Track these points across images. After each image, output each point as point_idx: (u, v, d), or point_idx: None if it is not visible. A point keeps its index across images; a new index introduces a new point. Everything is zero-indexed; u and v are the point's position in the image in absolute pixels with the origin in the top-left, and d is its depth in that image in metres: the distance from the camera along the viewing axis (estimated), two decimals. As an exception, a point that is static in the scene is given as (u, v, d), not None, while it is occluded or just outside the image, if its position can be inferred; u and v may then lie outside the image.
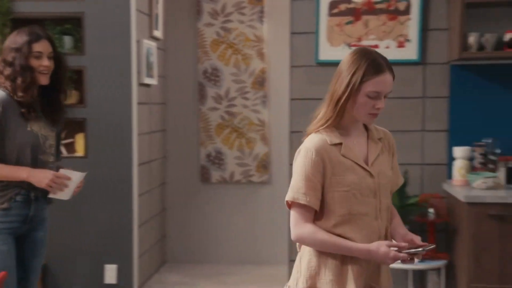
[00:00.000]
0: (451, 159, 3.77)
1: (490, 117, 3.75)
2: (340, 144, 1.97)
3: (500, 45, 3.53)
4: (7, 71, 2.57)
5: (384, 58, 1.96)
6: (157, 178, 4.76)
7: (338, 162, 1.96)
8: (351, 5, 3.82)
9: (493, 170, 3.62)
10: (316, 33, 3.85)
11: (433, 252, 3.60)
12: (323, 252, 1.97)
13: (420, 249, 1.91)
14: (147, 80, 4.28)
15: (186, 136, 5.02)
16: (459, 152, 3.68)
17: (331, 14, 3.83)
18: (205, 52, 4.92)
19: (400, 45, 3.80)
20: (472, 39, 3.50)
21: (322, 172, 1.95)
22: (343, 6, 3.82)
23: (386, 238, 1.99)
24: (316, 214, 1.97)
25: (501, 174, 3.62)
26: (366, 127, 2.06)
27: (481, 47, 3.54)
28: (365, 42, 3.80)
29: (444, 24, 3.72)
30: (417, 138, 3.85)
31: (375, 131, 2.08)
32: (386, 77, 1.93)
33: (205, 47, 4.92)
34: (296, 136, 3.90)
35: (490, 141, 3.65)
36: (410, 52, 3.79)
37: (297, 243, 2.06)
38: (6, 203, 2.56)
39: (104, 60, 3.94)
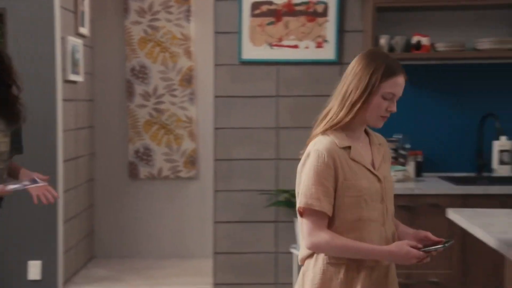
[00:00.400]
0: (366, 154, 4.00)
1: (401, 114, 3.98)
2: (349, 147, 1.91)
3: (409, 47, 3.78)
4: None
5: (397, 61, 1.96)
6: (85, 174, 4.79)
7: (349, 166, 1.90)
8: (272, 7, 3.98)
9: (404, 164, 3.87)
10: (239, 33, 3.99)
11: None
12: (328, 269, 1.92)
13: (440, 245, 1.86)
14: (73, 77, 4.31)
15: (114, 133, 5.06)
16: (373, 147, 3.91)
17: (253, 15, 3.98)
18: (133, 49, 4.98)
19: (319, 45, 3.99)
20: (383, 41, 3.73)
21: (334, 176, 1.88)
22: (264, 7, 3.98)
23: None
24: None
25: (411, 167, 3.87)
26: (366, 132, 2.03)
27: (391, 49, 3.76)
28: (285, 42, 3.97)
29: (359, 26, 3.94)
30: (335, 134, 4.05)
31: (374, 136, 2.04)
32: (402, 79, 1.92)
33: (132, 45, 4.98)
34: (220, 133, 4.04)
35: (400, 137, 3.89)
36: (328, 52, 3.98)
37: (300, 258, 2.01)
38: None
39: (27, 57, 3.94)
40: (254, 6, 3.97)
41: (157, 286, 4.33)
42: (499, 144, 3.90)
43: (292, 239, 3.95)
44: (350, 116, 1.91)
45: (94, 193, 5.06)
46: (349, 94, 1.91)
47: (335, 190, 1.88)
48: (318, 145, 1.91)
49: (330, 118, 1.94)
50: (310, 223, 1.88)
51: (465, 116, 3.97)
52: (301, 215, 1.92)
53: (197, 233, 5.07)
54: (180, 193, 5.10)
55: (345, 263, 1.90)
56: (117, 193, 5.08)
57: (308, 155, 1.93)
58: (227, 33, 4.01)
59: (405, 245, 1.84)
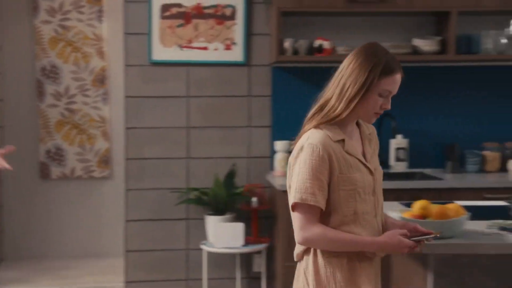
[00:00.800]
0: (273, 152, 4.17)
1: (305, 112, 4.18)
2: (343, 140, 1.89)
3: (312, 50, 3.97)
4: None
5: (395, 58, 1.91)
6: (-7, 175, 4.70)
7: (343, 159, 1.87)
8: (182, 9, 4.07)
9: (309, 162, 4.06)
10: (148, 34, 4.05)
11: (256, 236, 3.97)
12: (331, 262, 1.89)
13: (431, 235, 1.88)
14: (-21, 76, 4.23)
15: (24, 133, 5.00)
16: (280, 146, 4.08)
17: (163, 17, 4.06)
18: (43, 49, 4.93)
19: (227, 47, 4.12)
20: (287, 44, 3.90)
21: (329, 170, 1.84)
22: (174, 10, 4.06)
23: None
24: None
25: (316, 165, 4.08)
26: (357, 123, 2.00)
27: (295, 52, 3.95)
28: (195, 44, 4.08)
29: (266, 30, 4.10)
30: (244, 133, 4.20)
31: (364, 126, 2.01)
32: (399, 76, 1.88)
33: (42, 44, 4.93)
34: (131, 132, 4.09)
35: (305, 135, 4.09)
36: (236, 54, 4.12)
37: (296, 254, 1.97)
38: None
39: None
40: (164, 8, 4.05)
41: (69, 286, 4.33)
42: (395, 142, 4.17)
43: (203, 236, 4.06)
44: (346, 112, 1.87)
45: (2, 194, 4.97)
46: (347, 89, 1.86)
47: (329, 184, 1.85)
48: (312, 139, 1.86)
49: (327, 113, 1.89)
50: (303, 217, 1.85)
51: (365, 116, 4.21)
52: (293, 209, 1.89)
53: (110, 232, 5.09)
54: (93, 193, 5.10)
55: (347, 254, 1.89)
56: (27, 193, 5.02)
57: (301, 149, 1.87)
58: (137, 34, 4.07)
59: (396, 235, 1.84)
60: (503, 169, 4.14)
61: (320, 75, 4.14)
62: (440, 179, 3.82)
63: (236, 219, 3.98)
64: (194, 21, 4.08)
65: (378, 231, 1.92)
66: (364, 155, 1.94)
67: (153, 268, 4.11)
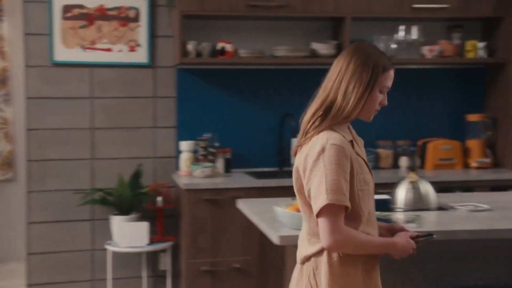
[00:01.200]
0: (179, 152, 4.24)
1: (211, 114, 4.29)
2: (351, 141, 1.90)
3: (215, 52, 4.08)
4: None
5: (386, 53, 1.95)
6: None
7: (357, 160, 1.87)
8: (84, 10, 4.07)
9: (213, 161, 4.17)
10: (50, 35, 4.02)
11: (161, 235, 4.04)
12: (347, 261, 1.85)
13: (429, 236, 1.93)
14: None
15: None
16: (185, 146, 4.16)
17: (65, 18, 4.04)
18: None
19: (132, 49, 4.15)
20: (190, 46, 3.99)
21: (351, 170, 1.83)
22: (76, 11, 4.05)
23: None
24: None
25: (220, 164, 4.19)
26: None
27: (199, 54, 4.05)
28: (99, 46, 4.08)
29: (169, 32, 4.17)
30: (149, 134, 4.25)
31: (353, 129, 2.01)
32: (393, 71, 1.93)
33: None
34: (33, 134, 4.04)
35: (210, 136, 4.19)
36: (141, 56, 4.17)
37: (304, 255, 1.91)
38: None
39: None
40: (66, 9, 4.03)
41: (-32, 292, 4.22)
42: (296, 141, 4.36)
43: (108, 236, 4.08)
44: (356, 112, 1.88)
45: None
46: (353, 89, 1.86)
47: (350, 184, 1.83)
48: (333, 139, 1.83)
49: (335, 115, 1.87)
50: (334, 220, 1.78)
51: (267, 116, 4.37)
52: (322, 211, 1.80)
53: (15, 236, 4.98)
54: (-5, 196, 4.98)
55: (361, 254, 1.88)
56: None
57: (322, 150, 1.81)
58: (38, 35, 4.03)
59: (408, 236, 1.89)
60: (395, 165, 4.42)
61: (223, 77, 4.33)
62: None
63: (142, 218, 4.03)
64: (97, 22, 4.09)
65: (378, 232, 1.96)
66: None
67: (57, 270, 4.08)
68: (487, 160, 4.38)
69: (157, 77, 4.23)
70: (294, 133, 4.28)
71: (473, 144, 4.39)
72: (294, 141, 4.35)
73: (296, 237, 2.04)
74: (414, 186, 2.69)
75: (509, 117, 4.34)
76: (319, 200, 1.79)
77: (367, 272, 1.88)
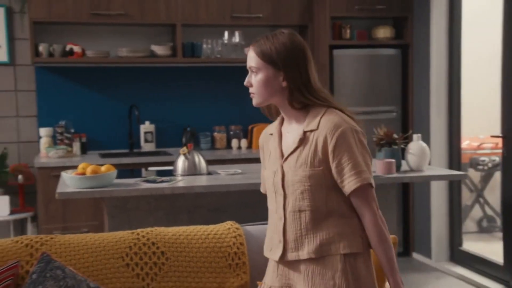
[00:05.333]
0: (39, 137, 4.99)
1: (67, 105, 5.07)
2: (271, 134, 2.08)
3: (66, 53, 4.85)
4: None
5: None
6: None
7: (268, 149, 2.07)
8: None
9: (70, 144, 4.94)
10: None
11: (22, 206, 4.79)
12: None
13: None
14: None
15: None
16: (44, 132, 4.91)
17: None
18: None
19: (-6, 50, 4.87)
20: (42, 48, 4.75)
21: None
22: None
23: None
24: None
25: (76, 147, 4.97)
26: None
27: (50, 54, 4.81)
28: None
29: (25, 35, 4.91)
30: (13, 122, 4.98)
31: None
32: (248, 51, 2.09)
33: None
34: None
35: (65, 122, 4.96)
36: (1, 55, 4.89)
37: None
38: None
39: None
40: None
41: None
42: (144, 127, 5.20)
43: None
44: None
45: None
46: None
47: None
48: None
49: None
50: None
51: (118, 106, 5.18)
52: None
53: None
54: None
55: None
56: None
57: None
58: None
59: None
60: (228, 146, 5.34)
61: (76, 73, 5.18)
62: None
63: (5, 194, 4.76)
64: (-38, 27, 4.77)
65: None
66: None
67: None
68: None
69: (17, 73, 4.96)
70: (138, 121, 5.10)
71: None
72: (142, 127, 5.18)
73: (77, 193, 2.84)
74: (187, 157, 3.55)
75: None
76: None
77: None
